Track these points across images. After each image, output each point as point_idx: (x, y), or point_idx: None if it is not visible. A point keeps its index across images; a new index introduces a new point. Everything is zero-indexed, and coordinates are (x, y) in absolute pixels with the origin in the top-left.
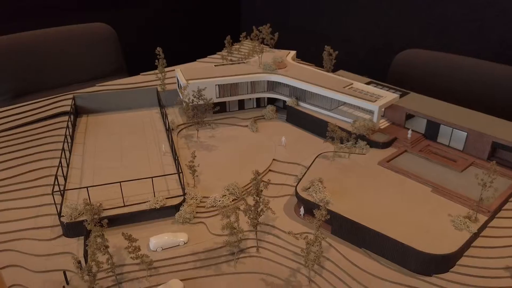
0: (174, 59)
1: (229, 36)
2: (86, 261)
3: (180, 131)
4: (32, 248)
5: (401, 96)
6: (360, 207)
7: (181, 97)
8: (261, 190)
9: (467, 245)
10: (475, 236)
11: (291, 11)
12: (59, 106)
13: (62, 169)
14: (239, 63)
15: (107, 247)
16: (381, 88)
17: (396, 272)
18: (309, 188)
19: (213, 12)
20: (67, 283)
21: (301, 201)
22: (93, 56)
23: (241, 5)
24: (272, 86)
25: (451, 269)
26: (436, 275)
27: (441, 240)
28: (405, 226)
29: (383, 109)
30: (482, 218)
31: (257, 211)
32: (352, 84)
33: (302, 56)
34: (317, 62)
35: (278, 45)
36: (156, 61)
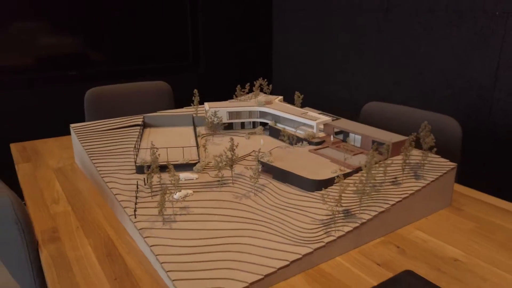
0: (209, 99)
1: (239, 85)
2: (147, 180)
3: (203, 137)
4: (121, 177)
5: (334, 119)
6: (287, 164)
7: (205, 116)
8: (234, 149)
9: (335, 180)
10: (340, 177)
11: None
12: (135, 121)
13: (137, 146)
14: (244, 100)
15: (158, 167)
16: (326, 115)
17: (297, 190)
18: (263, 157)
19: (247, 72)
20: (137, 187)
21: (258, 162)
22: (155, 104)
23: (273, 67)
24: (262, 114)
25: (325, 189)
26: (316, 191)
27: (321, 176)
28: (306, 171)
29: (321, 126)
30: (347, 170)
31: (232, 159)
32: (307, 112)
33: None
34: (308, 105)
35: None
36: (193, 97)
